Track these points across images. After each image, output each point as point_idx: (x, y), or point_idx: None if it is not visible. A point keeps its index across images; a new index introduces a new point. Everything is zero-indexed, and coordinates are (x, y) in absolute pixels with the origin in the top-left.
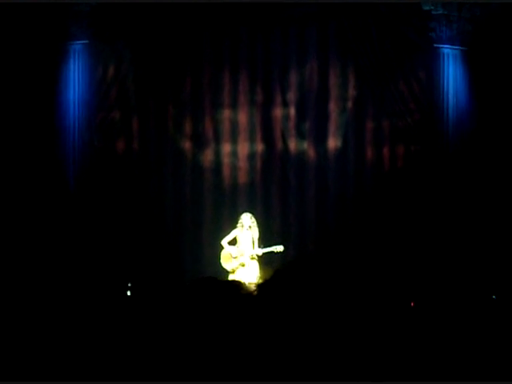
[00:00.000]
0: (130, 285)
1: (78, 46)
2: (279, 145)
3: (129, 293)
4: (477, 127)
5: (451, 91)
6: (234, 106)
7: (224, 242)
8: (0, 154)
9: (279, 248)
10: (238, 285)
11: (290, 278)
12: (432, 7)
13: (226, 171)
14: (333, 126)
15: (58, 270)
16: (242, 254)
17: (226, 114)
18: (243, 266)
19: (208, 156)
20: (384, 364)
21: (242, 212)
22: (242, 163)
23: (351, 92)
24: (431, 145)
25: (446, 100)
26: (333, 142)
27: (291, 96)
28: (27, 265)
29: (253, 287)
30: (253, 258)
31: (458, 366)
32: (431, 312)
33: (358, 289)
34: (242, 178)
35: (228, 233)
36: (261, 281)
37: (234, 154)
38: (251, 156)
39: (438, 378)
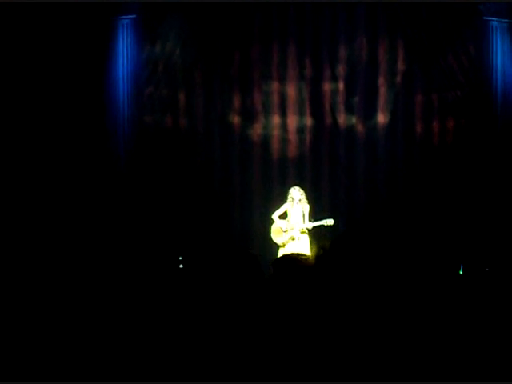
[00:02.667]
0: (181, 258)
1: (126, 21)
2: (328, 119)
3: (181, 266)
4: None
5: (500, 64)
6: (282, 79)
7: (274, 215)
8: (50, 130)
9: (329, 221)
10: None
11: (347, 248)
12: None
13: (275, 145)
14: (382, 101)
15: (110, 244)
16: (293, 228)
17: (275, 87)
18: (293, 239)
19: (257, 130)
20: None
21: (292, 186)
22: (292, 136)
23: (400, 66)
24: (481, 118)
25: (494, 73)
26: (382, 117)
27: (340, 70)
28: (79, 239)
29: (310, 259)
30: (303, 232)
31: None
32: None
33: (409, 261)
34: (292, 151)
35: (278, 207)
36: (316, 252)
37: (283, 127)
38: (300, 129)
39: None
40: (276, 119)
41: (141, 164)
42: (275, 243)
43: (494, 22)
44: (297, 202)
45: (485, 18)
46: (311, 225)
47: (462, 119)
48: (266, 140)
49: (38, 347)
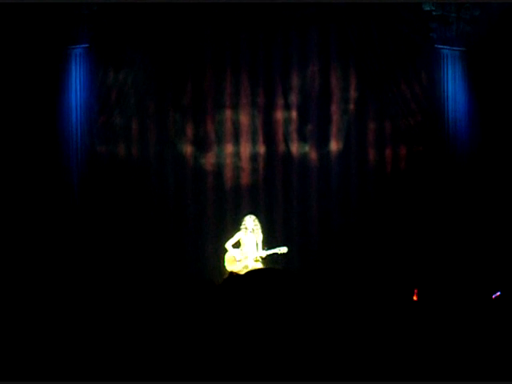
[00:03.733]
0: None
1: (78, 50)
2: (281, 147)
3: None
4: (477, 127)
5: (451, 92)
6: (235, 108)
7: (228, 244)
8: (2, 159)
9: (283, 249)
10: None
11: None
12: (433, 8)
13: (228, 173)
14: (334, 128)
15: (64, 272)
16: (246, 257)
17: (228, 115)
18: (247, 268)
19: (210, 159)
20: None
21: (246, 214)
22: (245, 164)
23: (353, 94)
24: (433, 145)
25: (446, 100)
26: (335, 144)
27: (293, 98)
28: (33, 270)
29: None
30: (257, 261)
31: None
32: (432, 309)
33: (355, 290)
34: (245, 179)
35: (231, 236)
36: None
37: (236, 155)
38: (253, 157)
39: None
40: (229, 148)
41: (94, 193)
42: (229, 272)
43: (446, 50)
44: (250, 230)
45: (436, 46)
46: (265, 253)
47: (415, 146)
48: (219, 168)
49: None
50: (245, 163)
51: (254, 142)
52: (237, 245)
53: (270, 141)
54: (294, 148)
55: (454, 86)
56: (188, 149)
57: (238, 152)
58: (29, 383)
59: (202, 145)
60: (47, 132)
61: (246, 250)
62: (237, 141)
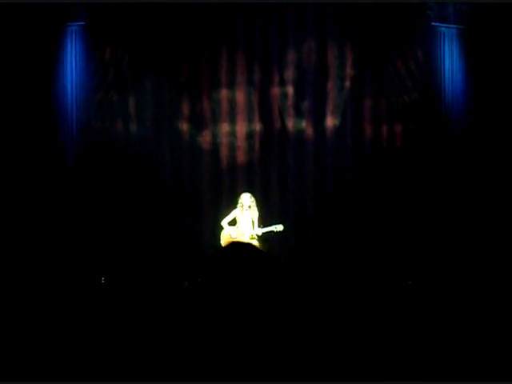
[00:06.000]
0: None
1: (74, 28)
2: (277, 124)
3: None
4: (473, 105)
5: (448, 70)
6: (231, 85)
7: (224, 222)
8: None
9: (279, 227)
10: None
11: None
12: None
13: (225, 151)
14: (331, 105)
15: (57, 252)
16: (242, 234)
17: (224, 93)
18: None
19: (206, 137)
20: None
21: (242, 192)
22: (241, 143)
23: (349, 71)
24: (429, 123)
25: (443, 78)
26: (331, 121)
27: (289, 75)
28: (26, 249)
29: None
30: (253, 238)
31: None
32: (428, 293)
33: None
34: (241, 157)
35: (228, 213)
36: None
37: (233, 133)
38: (249, 135)
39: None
40: (225, 126)
41: (90, 171)
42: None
43: (442, 27)
44: (246, 208)
45: (433, 23)
46: (261, 231)
47: (411, 124)
48: (215, 147)
49: None
50: (241, 141)
51: (250, 119)
52: (233, 222)
53: (266, 118)
54: (291, 124)
55: (450, 64)
56: (184, 126)
57: (234, 130)
58: (28, 383)
59: (198, 123)
60: (43, 109)
61: (242, 227)
62: (233, 119)
